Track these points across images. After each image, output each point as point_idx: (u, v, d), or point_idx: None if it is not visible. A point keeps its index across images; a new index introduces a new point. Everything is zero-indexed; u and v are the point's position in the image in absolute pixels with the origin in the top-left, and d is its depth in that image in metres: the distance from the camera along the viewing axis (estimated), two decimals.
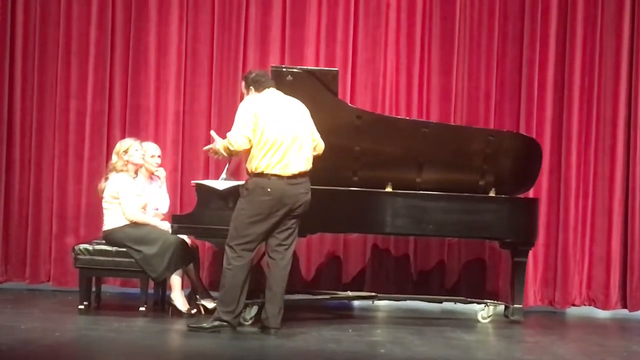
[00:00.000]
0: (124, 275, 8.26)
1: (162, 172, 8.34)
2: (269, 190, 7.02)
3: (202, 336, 6.99)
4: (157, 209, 8.22)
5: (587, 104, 9.06)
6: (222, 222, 7.33)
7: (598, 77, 9.09)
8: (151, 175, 8.28)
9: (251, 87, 7.26)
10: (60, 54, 9.06)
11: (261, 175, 7.05)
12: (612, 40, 9.09)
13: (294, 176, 7.08)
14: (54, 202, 9.04)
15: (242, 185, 7.20)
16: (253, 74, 7.34)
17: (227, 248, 7.09)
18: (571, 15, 9.05)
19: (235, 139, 7.07)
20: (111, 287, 8.87)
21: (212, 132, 7.41)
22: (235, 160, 8.14)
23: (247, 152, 7.11)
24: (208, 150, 7.44)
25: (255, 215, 7.05)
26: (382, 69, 9.10)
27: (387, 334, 7.58)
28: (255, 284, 7.54)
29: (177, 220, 7.61)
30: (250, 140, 7.04)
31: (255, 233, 7.08)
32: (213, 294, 8.03)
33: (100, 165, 8.87)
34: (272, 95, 7.22)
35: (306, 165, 7.14)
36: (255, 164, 7.06)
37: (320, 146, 7.32)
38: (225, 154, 7.21)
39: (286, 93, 7.28)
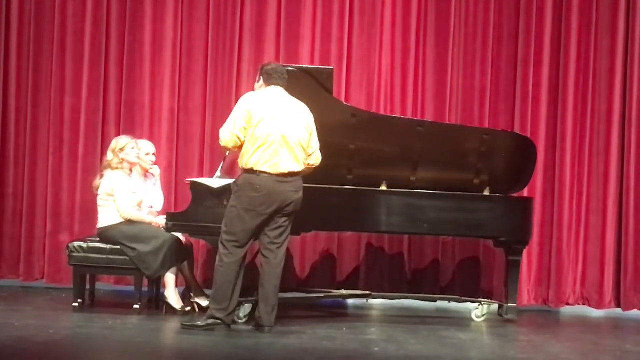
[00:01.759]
0: (118, 273, 8.26)
1: (156, 170, 8.34)
2: (257, 187, 7.01)
3: (196, 334, 6.99)
4: (151, 207, 8.21)
5: (582, 103, 9.07)
6: (217, 220, 7.34)
7: (593, 75, 9.09)
8: (146, 173, 8.27)
9: (262, 77, 7.23)
10: (55, 51, 9.05)
11: (251, 171, 7.04)
12: (607, 39, 9.10)
13: (284, 175, 7.05)
14: (48, 200, 9.03)
15: (234, 182, 7.21)
16: (270, 67, 7.28)
17: (219, 245, 7.10)
18: (566, 14, 9.06)
19: (224, 135, 7.10)
20: (105, 284, 8.86)
21: None
22: (230, 159, 8.14)
23: (240, 148, 7.11)
24: None
25: (244, 212, 7.04)
26: (377, 67, 9.10)
27: (382, 333, 7.58)
28: (250, 281, 7.53)
29: (172, 218, 7.60)
30: (239, 138, 7.03)
31: (245, 230, 7.06)
32: (207, 291, 8.03)
33: (94, 163, 8.85)
34: (275, 93, 7.18)
35: (297, 165, 7.11)
36: (245, 160, 7.06)
37: (317, 157, 7.26)
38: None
39: None
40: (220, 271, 7.08)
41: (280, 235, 7.16)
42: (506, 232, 8.11)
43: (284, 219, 7.14)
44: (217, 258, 7.11)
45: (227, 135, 7.07)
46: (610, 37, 9.09)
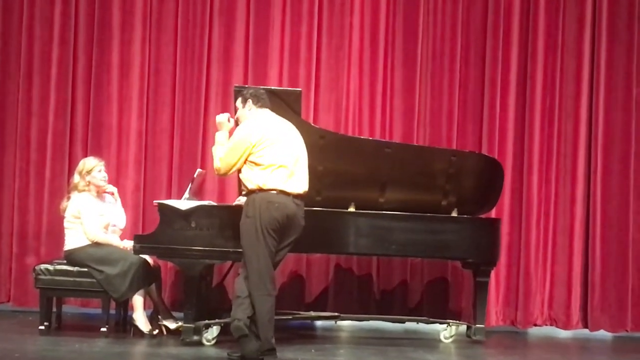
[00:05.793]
0: (85, 296, 8.18)
1: (110, 188, 8.14)
2: (276, 205, 6.82)
3: (163, 357, 6.94)
4: (114, 225, 8.08)
5: (549, 125, 9.14)
6: (185, 242, 7.32)
7: (559, 97, 9.17)
8: (100, 192, 8.07)
9: (249, 100, 7.05)
10: (22, 72, 9.01)
11: (268, 191, 6.83)
12: (573, 61, 9.18)
13: (299, 196, 6.93)
14: (14, 221, 8.97)
15: (244, 207, 6.94)
16: (252, 90, 7.15)
17: (251, 278, 6.78)
18: (532, 37, 9.14)
19: (223, 165, 6.93)
20: (72, 307, 8.79)
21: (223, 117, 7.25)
22: (198, 180, 8.12)
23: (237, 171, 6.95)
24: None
25: (267, 233, 6.78)
26: (345, 89, 9.12)
27: (350, 354, 7.57)
28: (218, 303, 7.49)
29: (140, 240, 7.55)
30: (235, 165, 6.88)
31: (271, 252, 6.84)
32: (175, 314, 8.00)
33: (61, 184, 8.80)
34: (272, 115, 7.09)
35: (307, 185, 7.06)
36: (262, 182, 6.82)
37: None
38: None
39: None
40: (269, 300, 6.80)
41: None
42: (474, 253, 8.13)
43: (287, 248, 7.01)
44: (254, 289, 6.76)
45: (227, 167, 6.91)
46: (576, 60, 9.17)
